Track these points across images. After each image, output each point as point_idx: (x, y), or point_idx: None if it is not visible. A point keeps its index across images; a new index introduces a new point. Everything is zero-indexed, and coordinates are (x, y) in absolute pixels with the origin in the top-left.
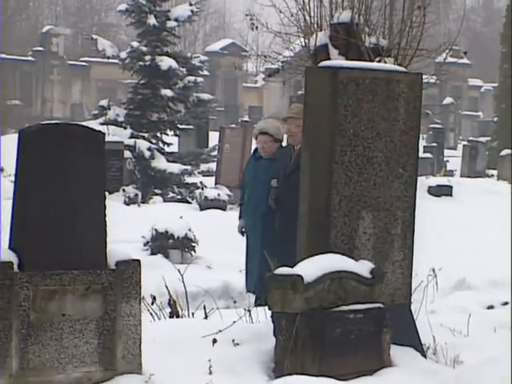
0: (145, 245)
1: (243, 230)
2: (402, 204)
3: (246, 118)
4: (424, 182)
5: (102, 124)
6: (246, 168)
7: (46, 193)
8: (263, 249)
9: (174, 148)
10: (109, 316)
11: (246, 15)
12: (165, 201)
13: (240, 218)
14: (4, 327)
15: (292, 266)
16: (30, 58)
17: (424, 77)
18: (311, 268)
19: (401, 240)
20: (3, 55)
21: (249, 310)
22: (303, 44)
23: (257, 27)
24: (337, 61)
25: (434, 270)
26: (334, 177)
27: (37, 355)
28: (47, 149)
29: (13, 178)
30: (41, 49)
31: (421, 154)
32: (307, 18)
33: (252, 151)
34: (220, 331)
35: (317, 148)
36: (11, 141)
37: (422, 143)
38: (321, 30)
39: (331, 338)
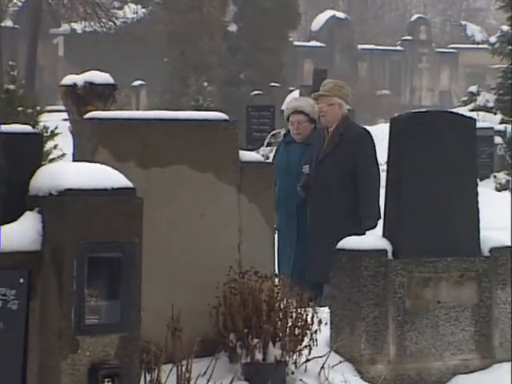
0: None
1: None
2: None
3: None
4: None
5: (471, 110)
6: (275, 155)
7: (419, 180)
8: (299, 245)
9: None
10: (484, 303)
11: None
12: None
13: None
14: (380, 314)
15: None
16: (398, 48)
17: None
18: None
19: None
20: (373, 46)
21: None
22: None
23: None
24: None
25: None
26: None
27: (414, 342)
28: (418, 136)
29: (384, 168)
30: (409, 38)
31: None
32: None
33: (282, 135)
34: None
35: None
36: (381, 131)
37: None
38: None
39: None
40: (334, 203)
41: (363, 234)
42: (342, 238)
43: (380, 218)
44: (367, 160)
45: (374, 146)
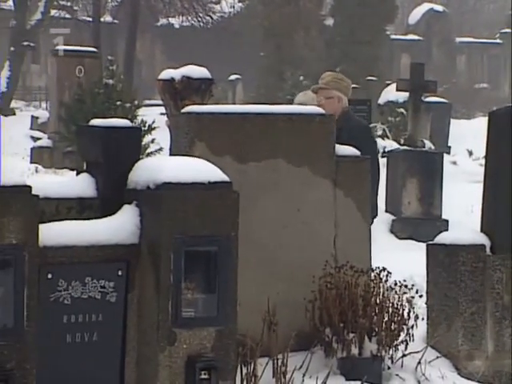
0: None
1: None
2: None
3: None
4: None
5: None
6: None
7: None
8: None
9: None
10: None
11: None
12: None
13: None
14: (478, 310)
15: None
16: (497, 41)
17: None
18: None
19: None
20: (471, 39)
21: None
22: None
23: None
24: None
25: None
26: None
27: None
28: None
29: (482, 162)
30: (508, 30)
31: None
32: None
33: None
34: None
35: None
36: (479, 124)
37: None
38: None
39: None
40: None
41: None
42: None
43: (376, 215)
44: (366, 155)
45: (374, 141)
